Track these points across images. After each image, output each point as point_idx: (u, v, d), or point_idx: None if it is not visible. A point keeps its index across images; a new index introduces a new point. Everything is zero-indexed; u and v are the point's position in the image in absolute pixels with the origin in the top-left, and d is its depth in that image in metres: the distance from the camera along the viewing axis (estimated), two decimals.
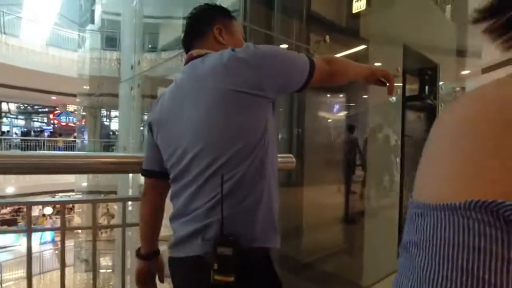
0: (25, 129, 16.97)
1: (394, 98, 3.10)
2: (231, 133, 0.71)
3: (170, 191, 0.84)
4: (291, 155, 1.35)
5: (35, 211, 13.36)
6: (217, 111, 0.71)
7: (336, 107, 3.75)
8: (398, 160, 2.94)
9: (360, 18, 2.85)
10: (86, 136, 11.49)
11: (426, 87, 3.56)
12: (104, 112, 12.99)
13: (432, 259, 0.19)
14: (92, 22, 10.04)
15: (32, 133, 15.97)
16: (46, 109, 17.45)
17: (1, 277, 8.76)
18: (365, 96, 3.48)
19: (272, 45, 0.82)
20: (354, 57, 2.77)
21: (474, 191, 0.19)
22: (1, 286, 8.69)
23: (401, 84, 2.99)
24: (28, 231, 0.99)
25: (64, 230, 1.06)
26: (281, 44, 2.25)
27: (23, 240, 10.67)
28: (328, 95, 3.97)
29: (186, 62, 0.83)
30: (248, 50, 0.72)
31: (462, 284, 0.18)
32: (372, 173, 2.82)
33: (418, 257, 0.20)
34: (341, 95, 3.97)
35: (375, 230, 2.56)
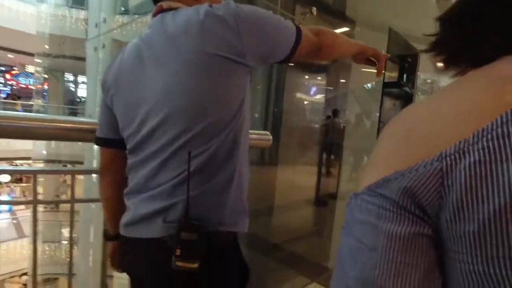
0: None
1: (373, 83, 3.08)
2: (205, 103, 0.61)
3: (127, 164, 0.72)
4: (267, 132, 1.26)
5: None
6: (189, 76, 0.60)
7: (314, 89, 3.69)
8: (373, 145, 2.97)
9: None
10: (47, 101, 10.71)
11: (405, 75, 3.57)
12: (71, 77, 12.15)
13: (342, 236, 0.28)
14: None
15: None
16: (3, 68, 15.95)
17: None
18: (343, 80, 3.45)
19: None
20: None
21: (369, 180, 0.26)
22: None
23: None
24: None
25: (36, 203, 0.95)
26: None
27: None
28: (307, 77, 3.91)
29: (155, 15, 0.69)
30: (228, 8, 0.61)
31: (350, 249, 0.26)
32: (347, 157, 2.83)
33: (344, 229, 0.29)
34: (320, 78, 3.92)
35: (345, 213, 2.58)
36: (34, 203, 0.93)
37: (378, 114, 3.02)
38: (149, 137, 0.66)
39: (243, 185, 0.71)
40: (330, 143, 3.29)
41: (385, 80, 3.21)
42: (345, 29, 3.01)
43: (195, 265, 0.59)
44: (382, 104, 3.10)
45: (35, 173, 0.95)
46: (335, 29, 2.73)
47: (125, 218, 0.70)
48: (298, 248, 2.61)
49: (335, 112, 3.19)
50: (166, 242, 0.61)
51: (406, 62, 3.57)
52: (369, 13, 2.81)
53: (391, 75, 3.67)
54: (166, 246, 0.60)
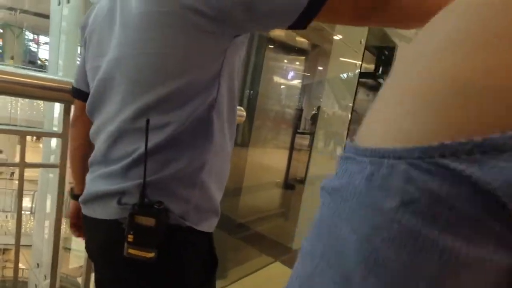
0: None
1: (350, 73, 3.10)
2: (165, 61, 0.51)
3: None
4: (241, 108, 1.20)
5: None
6: (148, 27, 0.51)
7: (292, 74, 3.67)
8: (344, 133, 3.02)
9: None
10: (4, 60, 9.79)
11: (381, 67, 3.64)
12: (31, 36, 11.13)
13: (340, 211, 0.14)
14: None
15: None
16: None
17: None
18: (321, 68, 3.45)
19: None
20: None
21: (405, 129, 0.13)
22: None
23: (360, 60, 2.98)
24: None
25: (23, 166, 0.87)
26: None
27: None
28: (286, 61, 3.86)
29: None
30: None
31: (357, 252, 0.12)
32: (317, 143, 2.87)
33: (324, 206, 0.16)
34: (298, 62, 3.89)
35: (312, 197, 2.65)
36: None
37: (351, 104, 3.06)
38: (103, 97, 0.58)
39: (218, 181, 0.61)
40: (302, 127, 3.31)
41: (361, 71, 3.25)
42: None
43: (151, 255, 0.51)
44: (356, 94, 3.15)
45: None
46: None
47: (82, 195, 0.64)
48: (263, 228, 2.64)
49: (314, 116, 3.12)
50: (121, 225, 0.54)
51: (383, 54, 3.63)
52: None
53: (368, 66, 3.73)
54: (120, 229, 0.53)
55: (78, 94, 0.72)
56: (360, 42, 2.77)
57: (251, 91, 2.65)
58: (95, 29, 0.62)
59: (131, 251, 0.51)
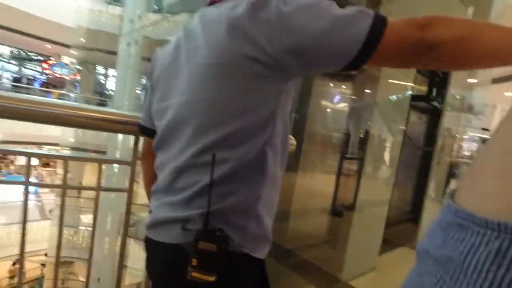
0: (18, 76, 16.40)
1: (400, 95, 3.00)
2: (225, 106, 0.57)
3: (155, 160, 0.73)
4: (291, 136, 1.24)
5: (21, 160, 13.20)
6: (213, 74, 0.57)
7: (338, 97, 3.65)
8: (395, 159, 2.89)
9: (381, 5, 2.69)
10: (79, 92, 11.18)
11: (435, 89, 3.45)
12: (101, 70, 12.61)
13: (447, 284, 0.13)
14: None
15: (25, 80, 15.46)
16: (40, 58, 16.82)
17: None
18: (369, 91, 3.39)
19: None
20: None
21: None
22: None
23: (412, 82, 2.88)
24: (26, 184, 0.92)
25: (65, 188, 0.98)
26: None
27: (8, 187, 10.56)
28: (332, 84, 3.87)
29: (208, 5, 0.65)
30: (271, 2, 0.52)
31: None
32: (367, 168, 2.77)
33: (432, 275, 0.15)
34: (344, 86, 3.87)
35: (361, 225, 2.53)
36: (63, 187, 0.97)
37: (403, 127, 2.94)
38: (171, 135, 0.65)
39: (270, 211, 0.65)
40: (351, 152, 3.23)
41: (414, 93, 3.12)
42: None
43: (212, 278, 0.55)
44: (408, 118, 3.02)
45: (66, 159, 1.00)
46: None
47: (147, 219, 0.70)
48: (311, 256, 2.57)
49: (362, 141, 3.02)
50: (184, 249, 0.57)
51: (437, 76, 3.46)
52: None
53: (420, 88, 3.57)
54: (183, 254, 0.57)
55: (145, 131, 0.79)
56: None
57: (299, 116, 2.69)
58: (161, 77, 0.69)
59: (194, 274, 0.55)
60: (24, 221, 0.96)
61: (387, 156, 2.97)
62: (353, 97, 3.59)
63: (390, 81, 2.89)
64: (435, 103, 3.51)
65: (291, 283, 2.29)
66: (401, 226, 3.70)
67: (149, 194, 0.82)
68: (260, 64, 0.53)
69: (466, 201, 0.15)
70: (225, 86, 0.56)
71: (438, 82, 3.45)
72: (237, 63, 0.54)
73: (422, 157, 3.95)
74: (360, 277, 2.41)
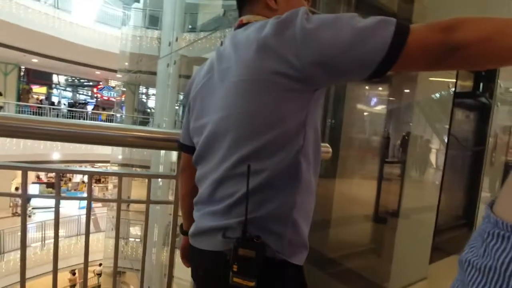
0: (72, 101, 18.13)
1: (443, 93, 2.84)
2: (258, 120, 0.61)
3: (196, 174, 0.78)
4: (327, 144, 1.25)
5: (76, 178, 14.43)
6: (246, 92, 0.62)
7: (375, 100, 3.54)
8: (441, 161, 2.72)
9: (414, 2, 2.61)
10: (124, 111, 12.03)
11: (482, 84, 3.22)
12: (143, 89, 13.47)
13: None
14: (137, 0, 10.27)
15: (77, 104, 17.01)
16: (91, 83, 18.46)
17: (44, 234, 9.62)
18: (407, 91, 3.25)
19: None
20: None
21: None
22: (44, 242, 9.56)
23: (454, 78, 2.72)
24: (88, 200, 1.03)
25: (120, 202, 1.08)
26: None
27: (65, 202, 11.60)
28: (367, 87, 3.76)
29: (236, 29, 0.73)
30: (295, 20, 0.57)
31: None
32: (411, 172, 2.64)
33: (475, 285, 0.15)
34: (381, 88, 3.74)
35: (408, 232, 2.40)
36: (118, 201, 1.08)
37: (447, 127, 2.77)
38: (209, 149, 0.70)
39: (306, 216, 0.67)
40: (392, 157, 3.10)
41: (457, 90, 2.94)
42: None
43: (252, 284, 0.58)
44: (453, 117, 2.84)
45: (120, 175, 1.10)
46: None
47: (191, 229, 0.76)
48: (355, 265, 2.49)
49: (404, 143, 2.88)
50: (225, 256, 0.61)
51: (482, 70, 3.22)
52: (438, 18, 2.62)
53: (465, 84, 3.34)
54: (225, 260, 0.60)
55: (183, 148, 0.86)
56: None
57: (335, 122, 2.66)
58: (197, 94, 0.76)
59: (235, 279, 0.59)
60: (87, 232, 1.07)
61: (431, 158, 2.81)
62: (391, 98, 3.46)
63: (430, 79, 2.75)
64: (483, 99, 3.26)
65: None
66: (453, 232, 3.43)
67: (184, 207, 0.88)
68: (289, 79, 0.58)
69: (506, 211, 0.16)
70: (257, 100, 0.61)
71: (485, 76, 3.21)
72: (268, 78, 0.59)
73: (472, 157, 3.66)
74: (409, 287, 2.28)
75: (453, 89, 2.72)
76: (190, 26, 6.73)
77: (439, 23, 0.48)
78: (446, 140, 2.74)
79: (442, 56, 0.48)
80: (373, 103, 3.51)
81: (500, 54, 0.45)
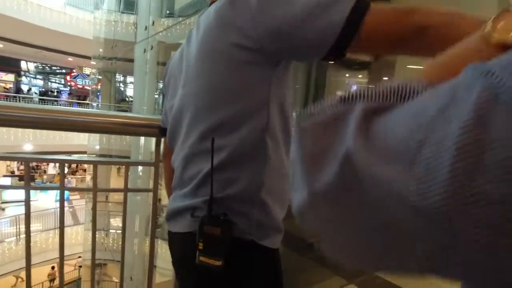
0: (43, 89, 17.25)
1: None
2: (218, 93, 0.60)
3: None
4: None
5: (52, 170, 13.91)
6: (204, 65, 0.61)
7: (355, 88, 3.58)
8: None
9: None
10: (100, 100, 11.60)
11: None
12: (120, 77, 13.02)
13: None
14: None
15: (49, 93, 16.24)
16: (63, 71, 17.61)
17: (18, 229, 9.27)
18: (386, 78, 3.30)
19: None
20: None
21: None
22: (19, 237, 9.23)
23: None
24: (61, 189, 0.98)
25: (96, 191, 1.04)
26: None
27: (39, 195, 11.20)
28: (348, 75, 3.79)
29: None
30: None
31: None
32: None
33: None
34: (361, 75, 3.79)
35: None
36: (94, 190, 1.03)
37: None
38: (176, 128, 0.69)
39: (278, 200, 0.64)
40: None
41: None
42: None
43: (219, 263, 0.57)
44: None
45: (96, 163, 1.06)
46: None
47: (166, 213, 0.75)
48: None
49: None
50: (194, 236, 0.60)
51: None
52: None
53: None
54: (193, 240, 0.59)
55: (164, 132, 0.83)
56: None
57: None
58: (170, 76, 0.76)
59: (202, 258, 0.58)
60: (62, 223, 1.02)
61: None
62: (371, 86, 3.52)
63: (409, 66, 2.80)
64: None
65: (316, 275, 2.30)
66: None
67: (169, 194, 0.86)
68: (247, 51, 0.56)
69: None
70: (216, 73, 0.59)
71: None
72: (226, 50, 0.57)
73: None
74: None
75: None
76: (168, 12, 6.50)
77: (402, 6, 0.46)
78: None
79: (405, 37, 0.46)
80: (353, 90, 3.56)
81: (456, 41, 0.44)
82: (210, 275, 0.60)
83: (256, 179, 0.61)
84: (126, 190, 1.06)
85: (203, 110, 0.61)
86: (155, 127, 0.96)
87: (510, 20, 0.21)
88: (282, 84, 0.62)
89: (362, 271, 2.42)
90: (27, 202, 0.93)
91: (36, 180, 13.24)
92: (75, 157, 11.08)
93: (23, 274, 7.80)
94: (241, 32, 0.55)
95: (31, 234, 1.02)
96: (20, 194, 10.55)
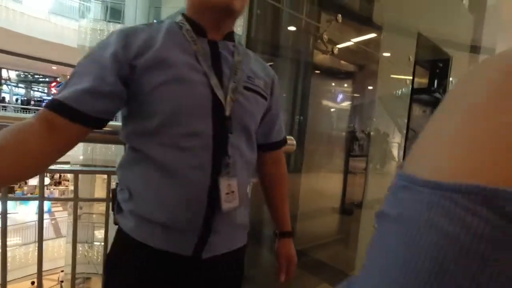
0: (25, 98, 16.80)
1: (402, 90, 3.00)
2: None
3: None
4: (291, 137, 1.27)
5: (33, 181, 13.44)
6: None
7: (341, 96, 3.66)
8: (401, 154, 2.88)
9: (374, 2, 2.72)
10: None
11: (436, 80, 3.45)
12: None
13: (400, 238, 0.16)
14: None
15: (32, 102, 15.82)
16: (47, 79, 17.22)
17: None
18: (371, 87, 3.40)
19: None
20: (367, 43, 2.65)
21: (477, 175, 0.15)
22: None
23: (411, 76, 2.88)
24: (41, 199, 0.96)
25: (77, 201, 1.02)
26: (290, 20, 2.13)
27: (20, 208, 10.78)
28: (333, 84, 3.87)
29: None
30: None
31: (426, 271, 0.14)
32: (374, 164, 2.77)
33: (389, 234, 0.18)
34: (346, 85, 3.87)
35: (371, 221, 2.52)
36: (75, 200, 1.01)
37: (406, 121, 2.94)
38: None
39: (152, 194, 0.66)
40: (355, 150, 3.23)
41: (415, 87, 3.12)
42: (373, 35, 2.98)
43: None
44: (411, 111, 3.01)
45: (76, 172, 1.04)
46: (362, 35, 2.71)
47: None
48: (323, 255, 2.57)
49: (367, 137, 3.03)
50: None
51: (437, 67, 3.45)
52: (396, 18, 2.76)
53: (421, 81, 3.56)
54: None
55: None
56: (409, 59, 2.70)
57: (301, 117, 2.71)
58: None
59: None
60: (40, 235, 0.99)
61: (393, 151, 2.96)
62: (355, 95, 3.60)
63: (391, 76, 2.89)
64: (437, 95, 3.49)
65: (304, 283, 2.29)
66: None
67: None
68: None
69: (410, 167, 0.19)
70: None
71: (439, 74, 3.45)
72: None
73: None
74: None
75: (411, 86, 2.88)
76: (155, 21, 6.51)
77: None
78: (404, 133, 2.91)
79: None
80: (339, 99, 3.63)
81: None
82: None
83: (135, 173, 0.76)
84: (108, 200, 1.04)
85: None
86: None
87: None
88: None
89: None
90: (3, 214, 0.91)
91: (16, 191, 12.78)
92: (56, 166, 10.76)
93: None
94: None
95: (9, 248, 0.98)
96: None
